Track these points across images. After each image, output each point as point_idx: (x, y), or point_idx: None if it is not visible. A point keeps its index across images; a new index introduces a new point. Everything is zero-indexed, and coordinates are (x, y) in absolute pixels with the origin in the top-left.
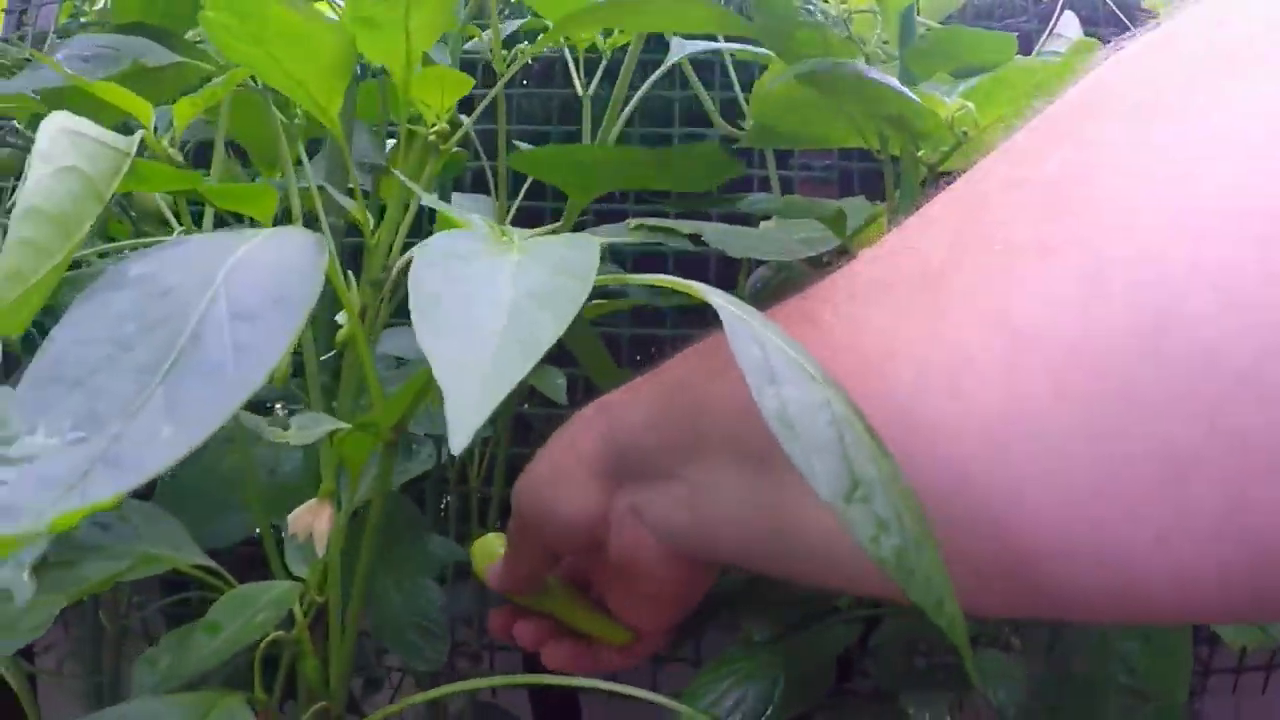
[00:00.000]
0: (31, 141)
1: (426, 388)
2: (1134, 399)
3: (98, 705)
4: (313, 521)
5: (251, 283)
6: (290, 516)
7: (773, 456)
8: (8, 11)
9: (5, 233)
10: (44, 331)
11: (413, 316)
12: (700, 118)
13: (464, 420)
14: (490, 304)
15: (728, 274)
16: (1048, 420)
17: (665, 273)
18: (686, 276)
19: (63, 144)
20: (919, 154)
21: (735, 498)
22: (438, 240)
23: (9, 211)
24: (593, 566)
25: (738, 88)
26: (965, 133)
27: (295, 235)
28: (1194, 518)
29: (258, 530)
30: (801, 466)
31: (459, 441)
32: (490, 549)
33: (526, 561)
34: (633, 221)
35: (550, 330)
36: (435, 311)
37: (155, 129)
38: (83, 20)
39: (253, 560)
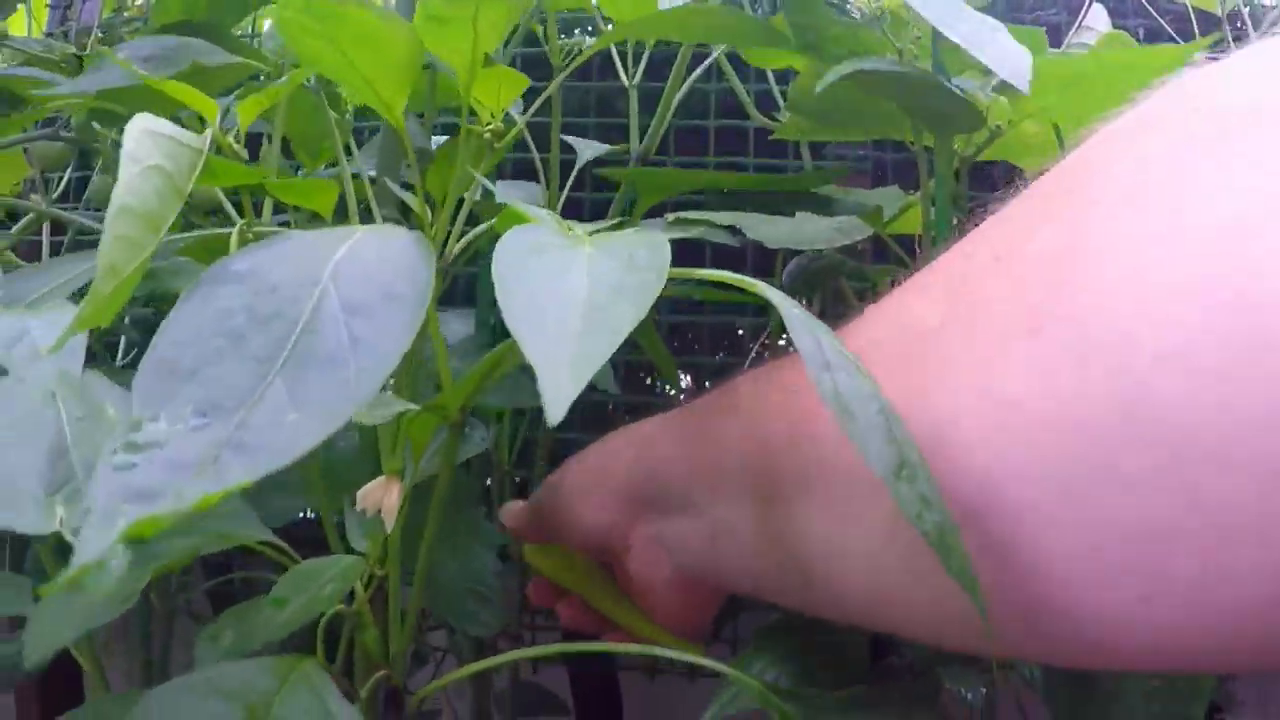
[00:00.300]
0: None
1: (493, 370)
2: (1114, 473)
3: (146, 684)
4: (382, 497)
5: (360, 277)
6: (360, 492)
7: (780, 494)
8: (51, 6)
9: (52, 226)
10: None
11: (500, 303)
12: (735, 109)
13: (559, 395)
14: (570, 291)
15: (764, 262)
16: (1034, 485)
17: (703, 260)
18: (724, 264)
19: (147, 144)
20: (954, 146)
21: (748, 531)
22: (515, 234)
23: (55, 200)
24: (607, 567)
25: (772, 80)
26: (1000, 126)
27: (396, 232)
28: (1175, 582)
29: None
30: (857, 442)
31: (556, 414)
32: None
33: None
34: (671, 215)
35: (630, 315)
36: (519, 297)
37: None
38: (126, 15)
39: (301, 540)
